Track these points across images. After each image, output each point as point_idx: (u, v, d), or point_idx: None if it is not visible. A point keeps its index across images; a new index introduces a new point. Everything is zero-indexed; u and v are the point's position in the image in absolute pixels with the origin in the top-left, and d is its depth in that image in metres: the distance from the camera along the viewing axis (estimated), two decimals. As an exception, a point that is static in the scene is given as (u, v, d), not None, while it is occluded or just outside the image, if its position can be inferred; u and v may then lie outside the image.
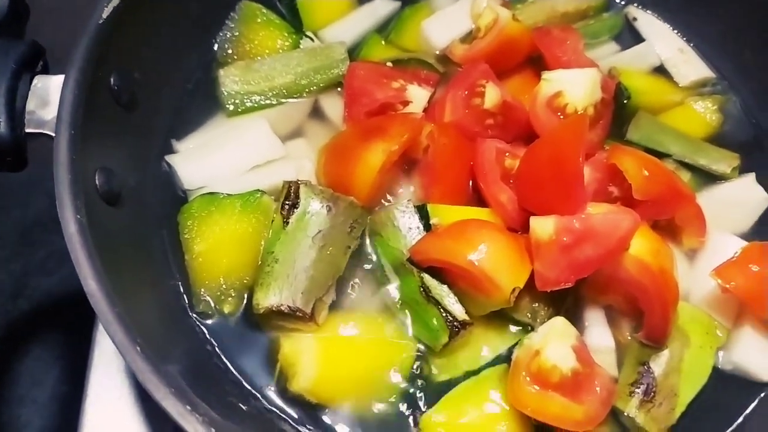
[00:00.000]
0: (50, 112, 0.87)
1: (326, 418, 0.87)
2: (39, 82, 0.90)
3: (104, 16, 0.88)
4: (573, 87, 1.00)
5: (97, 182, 0.84)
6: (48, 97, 0.89)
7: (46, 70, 0.93)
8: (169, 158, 1.01)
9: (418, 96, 1.05)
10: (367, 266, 0.97)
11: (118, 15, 0.89)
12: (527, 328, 0.92)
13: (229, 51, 1.12)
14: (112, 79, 0.91)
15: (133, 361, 0.67)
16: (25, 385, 1.46)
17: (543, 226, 0.87)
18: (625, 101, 1.12)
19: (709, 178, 1.08)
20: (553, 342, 0.85)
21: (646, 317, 0.91)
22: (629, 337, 0.94)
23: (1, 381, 1.45)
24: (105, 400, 0.99)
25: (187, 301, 0.93)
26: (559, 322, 0.87)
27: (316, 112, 1.11)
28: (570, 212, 0.88)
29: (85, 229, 0.75)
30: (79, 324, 1.06)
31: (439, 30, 1.17)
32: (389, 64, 1.12)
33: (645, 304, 0.90)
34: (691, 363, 0.92)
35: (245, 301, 0.93)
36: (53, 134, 0.82)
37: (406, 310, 0.93)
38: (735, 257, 0.93)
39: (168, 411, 0.66)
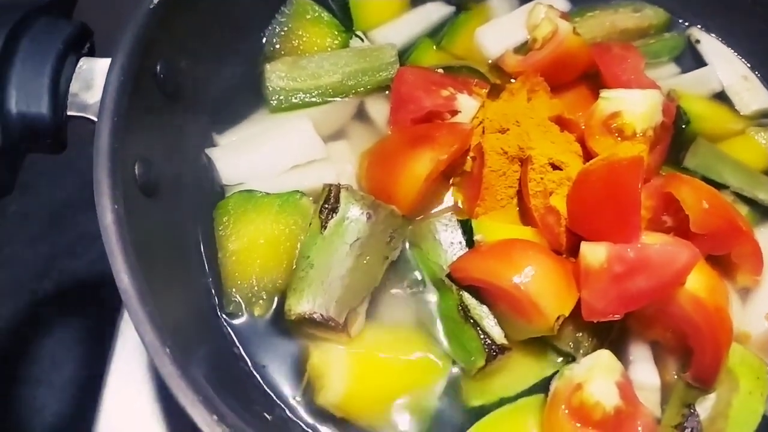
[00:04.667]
0: (93, 96, 0.84)
1: (352, 435, 0.84)
2: (84, 64, 0.87)
3: (155, 1, 0.86)
4: (633, 107, 0.96)
5: (136, 172, 0.82)
6: (93, 80, 0.86)
7: (92, 53, 0.91)
8: (209, 151, 0.99)
9: (467, 106, 1.01)
10: (405, 279, 0.93)
11: (168, 2, 0.87)
12: (568, 359, 0.88)
13: (277, 46, 1.10)
14: (158, 67, 0.89)
15: (162, 364, 0.65)
16: (43, 367, 1.45)
17: (594, 253, 0.82)
18: (683, 126, 1.07)
19: (766, 213, 1.02)
20: (598, 376, 0.81)
21: (696, 357, 0.86)
22: (675, 377, 0.89)
23: (21, 361, 1.44)
24: (124, 392, 0.98)
25: (217, 301, 0.90)
26: (605, 356, 0.83)
27: (361, 115, 1.07)
28: (623, 240, 0.83)
29: (122, 221, 0.73)
30: (103, 309, 1.05)
31: (493, 39, 1.13)
32: (440, 70, 1.08)
33: (696, 342, 0.85)
34: (739, 409, 0.87)
35: (276, 305, 0.90)
36: (95, 119, 0.80)
37: (443, 329, 0.89)
38: (793, 300, 0.88)
39: (194, 419, 0.63)
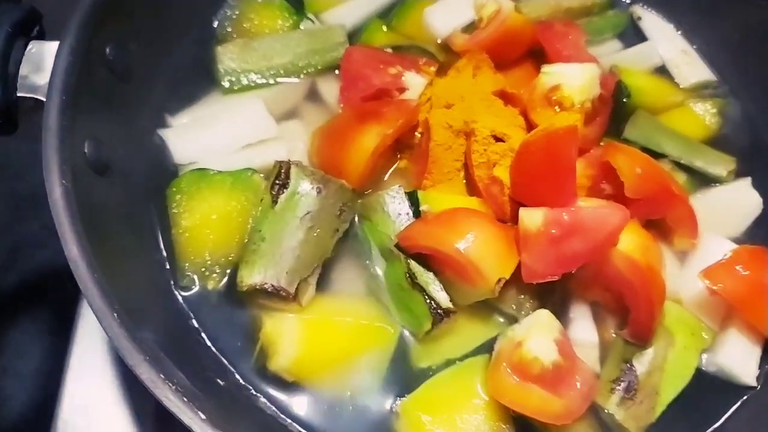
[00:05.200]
0: (43, 78, 0.86)
1: (304, 399, 0.87)
2: (34, 47, 0.89)
3: (104, -16, 0.88)
4: (572, 81, 1.00)
5: (86, 150, 0.84)
6: (42, 62, 0.88)
7: (42, 36, 0.92)
8: (161, 132, 1.01)
9: (414, 83, 1.05)
10: (355, 250, 0.96)
11: (117, -15, 0.89)
12: (512, 320, 0.91)
13: (229, 29, 1.12)
14: (107, 49, 0.91)
15: (109, 326, 0.67)
16: (9, 358, 1.45)
17: (532, 218, 0.86)
18: (624, 100, 1.11)
19: (704, 180, 1.07)
20: (536, 334, 0.84)
21: (632, 315, 0.90)
22: (614, 334, 0.93)
23: (-14, 353, 1.44)
24: (87, 375, 1.00)
25: (171, 276, 0.92)
26: (544, 315, 0.86)
27: (313, 95, 1.10)
28: (560, 205, 0.87)
29: (70, 195, 0.75)
30: (67, 298, 1.06)
31: (442, 18, 1.16)
32: (389, 50, 1.11)
33: (631, 301, 0.89)
34: (674, 363, 0.91)
35: (228, 278, 0.92)
36: (45, 99, 0.81)
37: (391, 295, 0.92)
38: (724, 260, 0.93)
39: (141, 378, 0.65)
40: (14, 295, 1.53)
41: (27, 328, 1.49)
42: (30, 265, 1.55)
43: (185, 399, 0.65)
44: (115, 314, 0.68)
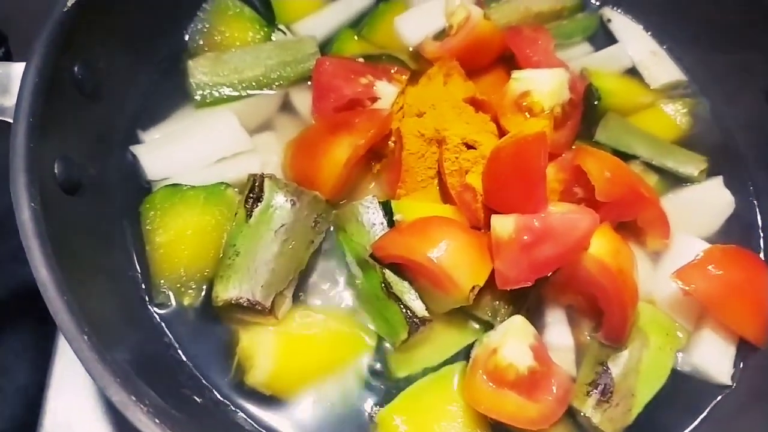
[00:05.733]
0: (10, 100, 0.86)
1: (282, 413, 0.87)
2: (0, 69, 0.89)
3: (69, 3, 0.88)
4: (541, 86, 1.00)
5: (56, 170, 0.84)
6: (8, 84, 0.88)
7: (8, 57, 0.92)
8: (133, 148, 1.01)
9: (386, 92, 1.05)
10: (331, 261, 0.97)
11: (83, 3, 0.89)
12: (488, 327, 0.92)
13: (200, 42, 1.12)
14: (75, 68, 0.91)
15: (79, 348, 0.67)
16: (-8, 374, 1.44)
17: (503, 225, 0.87)
18: (595, 102, 1.12)
19: (676, 180, 1.08)
20: (511, 340, 0.85)
21: (606, 317, 0.91)
22: (589, 337, 0.94)
23: (-31, 370, 1.43)
24: (68, 389, 1.00)
25: (146, 293, 0.93)
26: (518, 321, 0.87)
27: (286, 106, 1.10)
28: (532, 211, 0.88)
29: (39, 217, 0.75)
30: (49, 315, 1.06)
31: (412, 27, 1.17)
32: (361, 59, 1.12)
33: (604, 304, 0.90)
34: (649, 364, 0.92)
35: (204, 294, 0.92)
36: (12, 121, 0.81)
37: (368, 305, 0.92)
38: (696, 260, 0.93)
39: (112, 400, 0.65)
40: (-4, 312, 1.52)
41: (10, 344, 1.49)
42: (11, 281, 1.54)
43: (157, 420, 0.65)
44: (85, 337, 0.68)
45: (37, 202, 0.76)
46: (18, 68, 0.87)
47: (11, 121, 0.82)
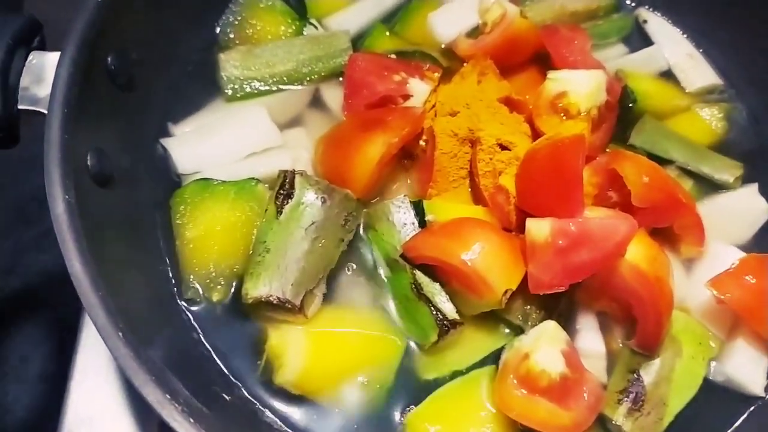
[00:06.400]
0: (44, 90, 0.85)
1: (310, 412, 0.86)
2: (34, 58, 0.88)
3: (104, -7, 0.87)
4: (578, 87, 0.99)
5: (88, 163, 0.83)
6: (43, 74, 0.87)
7: (43, 47, 0.91)
8: (164, 141, 1.00)
9: (419, 90, 1.04)
10: (361, 260, 0.95)
11: (118, -7, 0.88)
12: (518, 331, 0.91)
13: (231, 35, 1.11)
14: (109, 59, 0.90)
15: (115, 346, 0.66)
16: (13, 363, 1.45)
17: (539, 228, 0.85)
18: (630, 105, 1.10)
19: (711, 186, 1.06)
20: (543, 346, 0.84)
21: (639, 325, 0.89)
22: (621, 345, 0.93)
23: (-10, 358, 1.44)
24: (91, 382, 0.99)
25: (175, 288, 0.92)
26: (551, 326, 0.86)
27: (317, 102, 1.09)
28: (567, 215, 0.86)
29: (73, 210, 0.74)
30: (70, 303, 1.05)
31: (446, 23, 1.15)
32: (393, 56, 1.10)
33: (639, 311, 0.88)
34: (682, 373, 0.91)
35: (234, 290, 0.92)
36: (46, 112, 0.81)
37: (397, 306, 0.92)
38: (732, 268, 0.92)
39: (147, 398, 0.65)
40: (17, 300, 1.52)
41: (31, 332, 1.49)
42: (32, 269, 1.54)
43: (192, 420, 0.64)
44: (120, 333, 0.68)
45: (71, 195, 0.75)
46: (53, 58, 0.86)
47: (45, 111, 0.81)
